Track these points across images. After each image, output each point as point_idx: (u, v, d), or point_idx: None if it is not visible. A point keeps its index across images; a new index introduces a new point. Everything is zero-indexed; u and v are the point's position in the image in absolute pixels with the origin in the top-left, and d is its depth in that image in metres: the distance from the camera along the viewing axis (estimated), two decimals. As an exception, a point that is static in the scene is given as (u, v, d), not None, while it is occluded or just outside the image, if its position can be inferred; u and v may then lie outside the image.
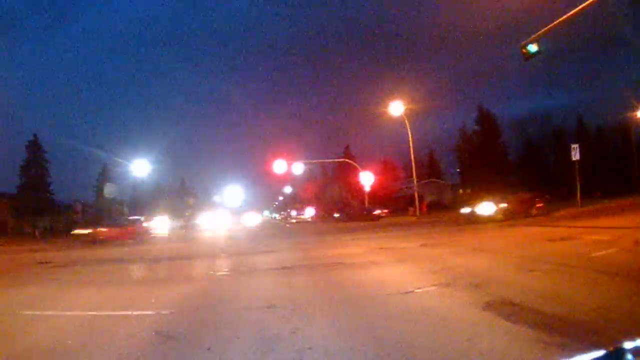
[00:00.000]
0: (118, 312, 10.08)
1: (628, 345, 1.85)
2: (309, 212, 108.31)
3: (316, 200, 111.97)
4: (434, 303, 8.98)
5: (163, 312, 9.70)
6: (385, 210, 68.37)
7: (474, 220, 35.42)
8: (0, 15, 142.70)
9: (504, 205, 35.86)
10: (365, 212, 66.44)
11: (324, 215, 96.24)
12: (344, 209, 78.82)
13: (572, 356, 1.94)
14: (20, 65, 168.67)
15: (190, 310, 9.95)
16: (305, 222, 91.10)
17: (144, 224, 45.95)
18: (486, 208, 36.49)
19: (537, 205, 37.17)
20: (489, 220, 33.89)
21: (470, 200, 42.14)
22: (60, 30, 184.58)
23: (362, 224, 53.20)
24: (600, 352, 1.86)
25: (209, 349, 6.86)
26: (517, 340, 6.38)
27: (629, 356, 1.76)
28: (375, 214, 64.46)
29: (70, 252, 29.63)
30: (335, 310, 8.96)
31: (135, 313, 9.76)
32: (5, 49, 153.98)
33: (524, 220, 32.39)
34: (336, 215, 79.62)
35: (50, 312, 10.37)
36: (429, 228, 33.77)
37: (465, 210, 39.88)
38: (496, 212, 35.38)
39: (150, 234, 44.16)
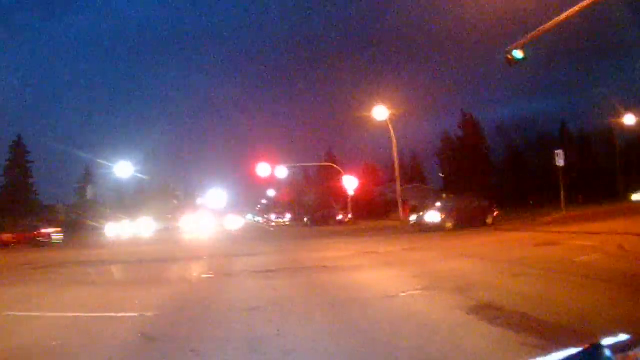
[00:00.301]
0: (102, 313, 10.05)
1: (606, 341, 1.85)
2: (289, 216, 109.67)
3: (296, 204, 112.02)
4: (419, 307, 9.00)
5: (147, 313, 9.67)
6: (349, 216, 68.29)
7: (421, 228, 34.02)
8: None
9: (454, 213, 34.06)
10: (329, 217, 69.73)
11: (296, 219, 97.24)
12: (312, 214, 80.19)
13: (550, 353, 1.94)
14: (5, 65, 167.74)
15: (174, 312, 9.92)
16: (284, 225, 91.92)
17: (45, 230, 45.21)
18: (433, 216, 34.56)
19: (494, 214, 35.68)
20: (437, 228, 32.49)
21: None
22: (46, 29, 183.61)
23: (341, 228, 53.35)
24: (579, 349, 1.87)
25: (193, 350, 6.84)
26: (502, 343, 6.41)
27: (607, 352, 1.76)
28: (338, 220, 66.84)
29: (53, 254, 29.44)
30: (320, 313, 8.96)
31: (119, 315, 9.73)
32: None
33: (507, 226, 32.48)
34: (305, 219, 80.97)
35: (33, 313, 10.30)
36: (412, 233, 33.75)
37: (413, 217, 38.33)
38: (443, 220, 33.39)
39: (51, 239, 43.83)
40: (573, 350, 1.84)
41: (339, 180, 70.46)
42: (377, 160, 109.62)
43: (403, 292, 10.44)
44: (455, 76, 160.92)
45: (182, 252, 28.39)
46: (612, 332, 1.97)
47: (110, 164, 67.94)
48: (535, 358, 2.19)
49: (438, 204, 37.41)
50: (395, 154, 56.29)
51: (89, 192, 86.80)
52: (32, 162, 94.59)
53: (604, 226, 24.12)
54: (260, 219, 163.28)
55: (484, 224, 33.86)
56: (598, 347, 1.78)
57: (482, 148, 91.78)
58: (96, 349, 7.27)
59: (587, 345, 1.82)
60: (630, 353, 1.86)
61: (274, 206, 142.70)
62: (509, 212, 44.43)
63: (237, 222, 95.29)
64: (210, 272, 17.27)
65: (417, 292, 10.45)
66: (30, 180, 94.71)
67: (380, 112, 53.32)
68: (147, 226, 67.93)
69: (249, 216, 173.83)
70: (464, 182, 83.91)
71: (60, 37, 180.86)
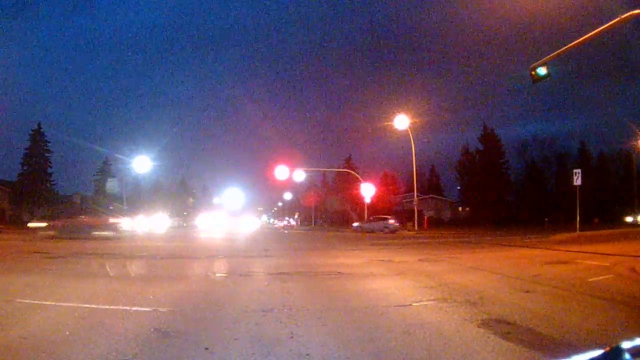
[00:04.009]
0: (115, 306, 10.08)
1: (626, 344, 1.87)
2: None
3: (316, 209, 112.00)
4: (431, 317, 9.03)
5: (161, 309, 9.76)
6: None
7: None
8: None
9: None
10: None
11: (303, 224, 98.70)
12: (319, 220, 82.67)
13: (569, 356, 1.99)
14: (29, 53, 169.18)
15: (188, 309, 9.97)
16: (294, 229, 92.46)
17: None
18: None
19: None
20: None
21: None
22: (69, 22, 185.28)
23: (357, 235, 53.21)
24: (598, 352, 1.92)
25: (207, 348, 6.92)
26: (512, 358, 6.46)
27: (627, 355, 1.81)
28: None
29: (68, 244, 29.61)
30: (333, 318, 9.00)
31: (133, 309, 9.78)
32: (14, 34, 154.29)
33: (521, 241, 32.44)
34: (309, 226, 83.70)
35: (47, 302, 10.36)
36: (427, 244, 33.78)
37: None
38: None
39: None
40: (594, 353, 1.89)
41: (357, 187, 70.67)
42: (396, 170, 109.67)
43: (416, 302, 10.50)
44: (477, 91, 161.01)
45: (196, 250, 28.56)
46: (631, 337, 2.02)
47: (128, 159, 68.56)
48: (557, 359, 2.24)
49: None
50: (414, 162, 56.59)
51: (109, 186, 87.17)
52: (51, 151, 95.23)
53: (617, 248, 24.07)
54: (276, 222, 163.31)
55: None
56: (618, 350, 1.85)
57: (501, 163, 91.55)
58: (109, 341, 7.31)
59: (607, 348, 1.88)
60: None
61: (295, 210, 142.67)
62: (524, 229, 44.32)
63: (252, 224, 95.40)
64: (225, 272, 17.34)
65: (430, 302, 10.49)
66: (49, 170, 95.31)
67: (402, 121, 53.50)
68: (162, 222, 68.05)
69: (264, 218, 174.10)
70: (480, 196, 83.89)
71: (83, 31, 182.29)
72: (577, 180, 39.45)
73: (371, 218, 63.11)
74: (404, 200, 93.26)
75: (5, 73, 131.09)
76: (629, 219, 51.89)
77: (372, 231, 57.68)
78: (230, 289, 13.22)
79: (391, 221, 60.11)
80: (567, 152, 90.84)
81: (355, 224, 66.03)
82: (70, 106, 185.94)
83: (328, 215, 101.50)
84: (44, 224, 39.68)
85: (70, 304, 10.26)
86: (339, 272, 16.13)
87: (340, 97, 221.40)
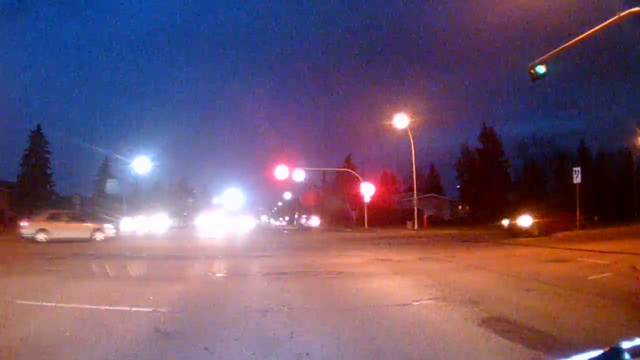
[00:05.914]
0: (115, 307, 10.07)
1: (626, 344, 1.88)
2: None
3: (316, 209, 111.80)
4: (431, 316, 9.04)
5: (161, 309, 9.75)
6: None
7: None
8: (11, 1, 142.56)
9: None
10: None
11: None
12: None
13: (569, 356, 1.98)
14: (29, 54, 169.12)
15: (188, 309, 9.97)
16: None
17: None
18: None
19: None
20: None
21: None
22: (70, 24, 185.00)
23: (357, 234, 53.13)
24: (598, 352, 1.91)
25: (207, 348, 6.91)
26: (513, 357, 6.45)
27: (626, 356, 1.80)
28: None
29: (68, 245, 29.59)
30: (332, 318, 9.00)
31: (133, 309, 9.77)
32: (13, 37, 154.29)
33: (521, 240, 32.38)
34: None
35: (47, 303, 10.34)
36: (427, 242, 33.76)
37: None
38: None
39: None
40: (594, 353, 1.88)
41: (357, 186, 70.67)
42: (395, 169, 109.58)
43: (416, 301, 10.48)
44: (476, 90, 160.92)
45: (196, 250, 28.55)
46: (631, 337, 2.01)
47: (128, 159, 68.53)
48: (557, 358, 2.24)
49: None
50: (414, 162, 56.45)
51: (109, 187, 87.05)
52: (51, 152, 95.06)
53: (617, 246, 23.96)
54: (274, 222, 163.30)
55: None
56: (618, 350, 1.84)
57: (501, 162, 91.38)
58: (109, 341, 7.31)
59: (607, 349, 1.87)
60: None
61: (294, 210, 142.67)
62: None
63: (249, 224, 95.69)
64: (224, 272, 17.37)
65: (430, 301, 10.48)
66: (48, 171, 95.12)
67: (401, 120, 53.44)
68: (162, 223, 68.09)
69: (264, 218, 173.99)
70: (480, 195, 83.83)
71: (83, 31, 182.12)
72: (577, 179, 39.42)
73: (294, 217, 79.40)
74: (404, 200, 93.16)
75: (5, 73, 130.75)
76: (504, 221, 48.93)
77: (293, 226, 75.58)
78: (230, 289, 13.24)
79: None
80: (567, 150, 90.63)
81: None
82: (70, 106, 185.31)
83: (328, 215, 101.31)
84: None
85: (70, 305, 10.27)
86: (339, 272, 16.12)
87: (340, 97, 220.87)
